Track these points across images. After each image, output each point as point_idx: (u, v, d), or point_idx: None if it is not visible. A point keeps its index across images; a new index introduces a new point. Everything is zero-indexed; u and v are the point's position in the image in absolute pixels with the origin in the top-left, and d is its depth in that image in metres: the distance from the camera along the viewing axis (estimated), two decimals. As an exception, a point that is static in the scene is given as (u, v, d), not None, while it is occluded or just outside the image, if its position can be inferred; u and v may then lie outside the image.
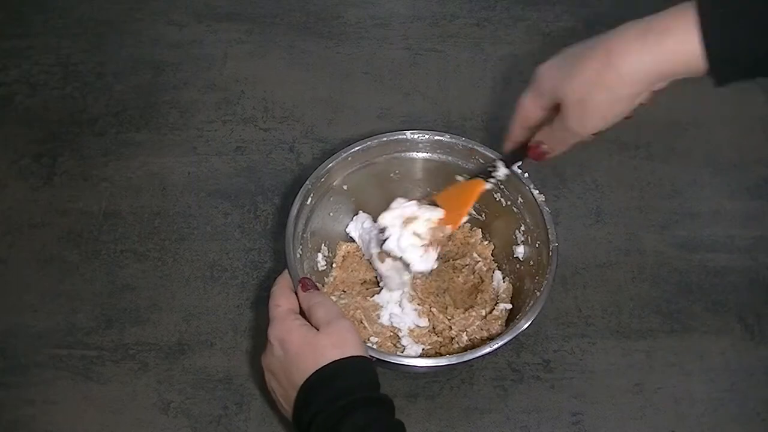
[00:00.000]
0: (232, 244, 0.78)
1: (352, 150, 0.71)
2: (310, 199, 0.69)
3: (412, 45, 0.94)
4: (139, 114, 0.88)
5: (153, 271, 0.77)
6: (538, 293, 0.64)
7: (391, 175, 0.75)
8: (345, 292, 0.73)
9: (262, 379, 0.60)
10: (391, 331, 0.70)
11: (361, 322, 0.69)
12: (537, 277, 0.67)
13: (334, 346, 0.55)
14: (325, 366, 0.54)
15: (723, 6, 0.48)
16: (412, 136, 0.72)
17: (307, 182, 0.69)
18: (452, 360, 0.61)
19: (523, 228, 0.71)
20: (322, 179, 0.70)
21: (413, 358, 0.62)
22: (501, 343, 0.61)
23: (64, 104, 0.88)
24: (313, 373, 0.54)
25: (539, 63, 0.56)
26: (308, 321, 0.59)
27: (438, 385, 0.70)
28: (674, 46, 0.49)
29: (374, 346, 0.68)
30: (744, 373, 0.71)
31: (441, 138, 0.72)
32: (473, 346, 0.66)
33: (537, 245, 0.69)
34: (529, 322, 0.62)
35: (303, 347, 0.55)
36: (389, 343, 0.70)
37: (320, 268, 0.73)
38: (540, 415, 0.69)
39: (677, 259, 0.78)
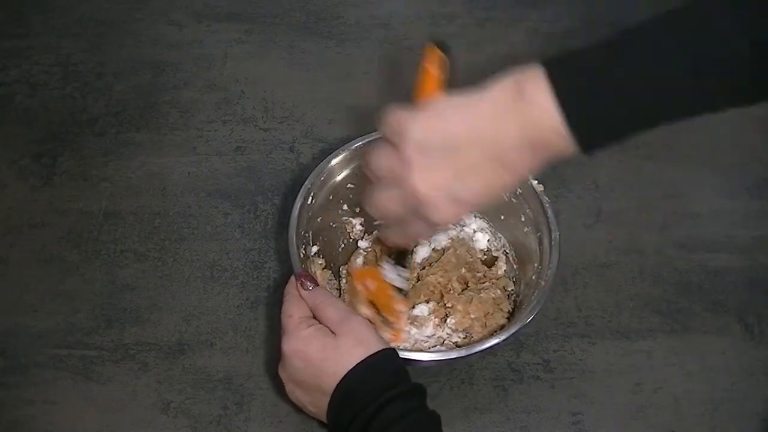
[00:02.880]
0: (232, 244, 0.78)
1: (352, 147, 0.71)
2: (311, 198, 0.69)
3: (412, 45, 0.94)
4: (139, 114, 0.88)
5: (153, 271, 0.77)
6: (542, 282, 0.65)
7: None
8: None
9: (276, 381, 0.60)
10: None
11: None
12: (539, 267, 0.67)
13: (356, 344, 0.55)
14: (354, 367, 0.54)
15: (574, 73, 0.46)
16: None
17: (307, 182, 0.69)
18: (461, 353, 0.62)
19: (523, 218, 0.71)
20: (323, 178, 0.70)
21: (418, 352, 0.62)
22: (507, 334, 0.62)
23: (64, 104, 0.88)
24: (344, 377, 0.54)
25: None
26: (318, 321, 0.59)
27: (438, 385, 0.70)
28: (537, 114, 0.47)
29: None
30: (744, 373, 0.71)
31: None
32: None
33: (538, 234, 0.69)
34: (534, 314, 0.63)
35: (326, 353, 0.56)
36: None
37: (322, 268, 0.74)
38: (540, 415, 0.69)
39: (677, 259, 0.78)
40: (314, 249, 0.72)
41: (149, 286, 0.76)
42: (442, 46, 0.55)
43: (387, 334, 0.68)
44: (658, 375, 0.71)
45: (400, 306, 0.69)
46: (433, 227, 0.54)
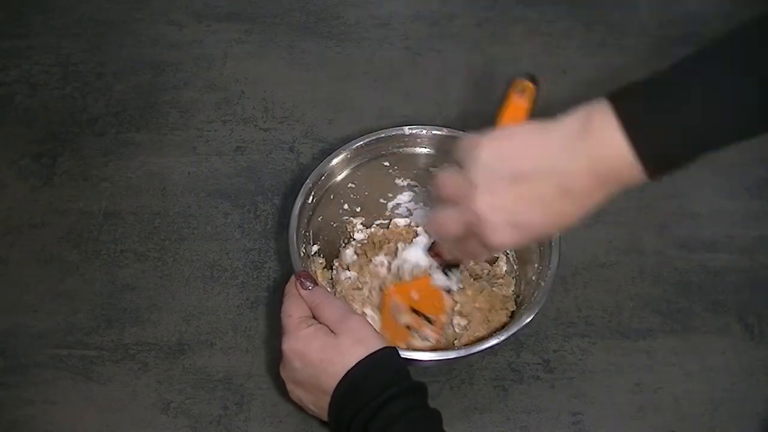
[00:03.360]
0: (232, 244, 0.78)
1: (352, 147, 0.71)
2: (311, 198, 0.69)
3: (412, 45, 0.94)
4: (139, 114, 0.88)
5: (153, 271, 0.77)
6: (542, 283, 0.65)
7: (391, 171, 0.75)
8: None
9: (277, 381, 0.60)
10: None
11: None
12: (539, 268, 0.67)
13: (355, 343, 0.55)
14: (354, 366, 0.54)
15: (642, 103, 0.47)
16: (410, 131, 0.72)
17: (308, 181, 0.69)
18: (461, 353, 0.62)
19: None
20: (323, 177, 0.70)
21: (418, 352, 0.62)
22: (507, 334, 0.62)
23: (64, 104, 0.88)
24: (343, 377, 0.54)
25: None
26: (317, 320, 0.59)
27: (438, 385, 0.70)
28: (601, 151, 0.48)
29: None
30: (744, 373, 0.71)
31: (439, 132, 0.72)
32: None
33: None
34: (534, 315, 0.63)
35: (326, 352, 0.56)
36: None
37: (323, 267, 0.74)
38: (540, 415, 0.69)
39: (677, 259, 0.78)
40: (315, 248, 0.72)
41: (149, 286, 0.76)
42: (533, 79, 0.57)
43: (429, 331, 0.68)
44: (658, 375, 0.71)
45: (448, 305, 0.69)
46: (489, 250, 0.55)
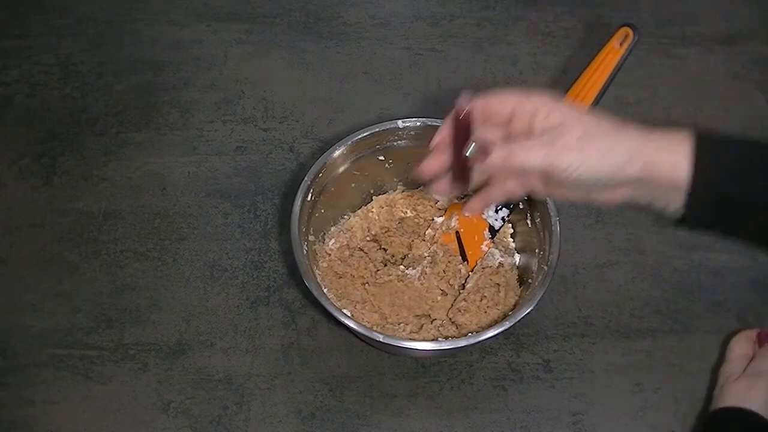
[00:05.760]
0: (232, 244, 0.78)
1: (349, 142, 0.71)
2: (310, 195, 0.69)
3: (412, 45, 0.94)
4: (139, 114, 0.88)
5: (153, 271, 0.77)
6: (545, 267, 0.65)
7: (387, 166, 0.75)
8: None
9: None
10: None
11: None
12: (541, 254, 0.68)
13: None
14: None
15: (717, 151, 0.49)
16: (403, 124, 0.72)
17: (306, 178, 0.69)
18: (460, 342, 0.62)
19: (521, 206, 0.72)
20: (320, 174, 0.70)
21: (419, 342, 0.62)
22: (513, 322, 0.62)
23: (64, 104, 0.88)
24: None
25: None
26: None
27: (438, 385, 0.70)
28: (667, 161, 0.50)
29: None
30: (744, 373, 0.71)
31: (432, 124, 0.72)
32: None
33: (537, 222, 0.70)
34: (535, 304, 0.63)
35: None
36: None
37: (325, 265, 0.74)
38: (540, 415, 0.69)
39: (677, 259, 0.78)
40: (312, 238, 0.73)
41: (149, 286, 0.76)
42: (635, 29, 0.59)
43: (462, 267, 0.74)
44: (658, 375, 0.71)
45: (484, 245, 0.74)
46: (547, 185, 0.56)
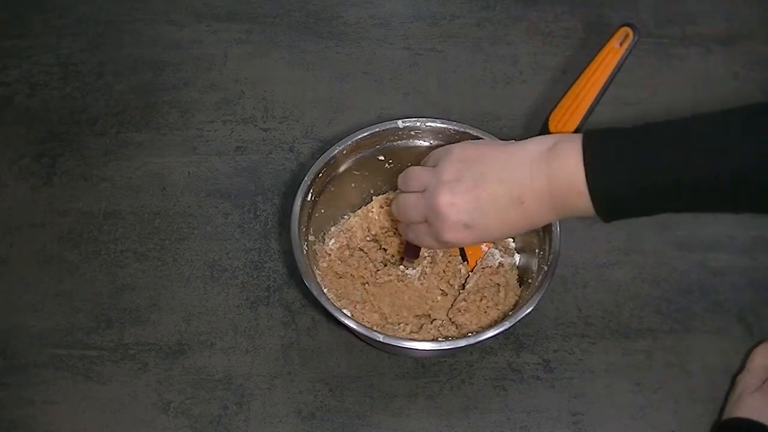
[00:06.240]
0: (232, 244, 0.78)
1: (349, 142, 0.71)
2: (310, 195, 0.69)
3: (412, 45, 0.94)
4: (139, 114, 0.88)
5: (153, 271, 0.77)
6: (545, 267, 0.65)
7: (387, 166, 0.75)
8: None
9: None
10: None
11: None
12: (541, 254, 0.68)
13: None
14: None
15: (606, 144, 0.50)
16: (403, 124, 0.72)
17: (306, 178, 0.69)
18: (460, 342, 0.62)
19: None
20: (320, 174, 0.70)
21: (419, 342, 0.62)
22: (513, 322, 0.62)
23: (64, 104, 0.88)
24: None
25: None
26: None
27: (438, 385, 0.70)
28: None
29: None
30: (744, 373, 0.71)
31: (432, 124, 0.72)
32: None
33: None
34: (535, 305, 0.63)
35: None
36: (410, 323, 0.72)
37: (325, 265, 0.74)
38: (540, 415, 0.69)
39: (677, 259, 0.78)
40: (312, 238, 0.73)
41: (149, 286, 0.76)
42: (635, 29, 0.59)
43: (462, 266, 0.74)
44: (658, 375, 0.71)
45: (484, 245, 0.75)
46: (440, 243, 0.59)
